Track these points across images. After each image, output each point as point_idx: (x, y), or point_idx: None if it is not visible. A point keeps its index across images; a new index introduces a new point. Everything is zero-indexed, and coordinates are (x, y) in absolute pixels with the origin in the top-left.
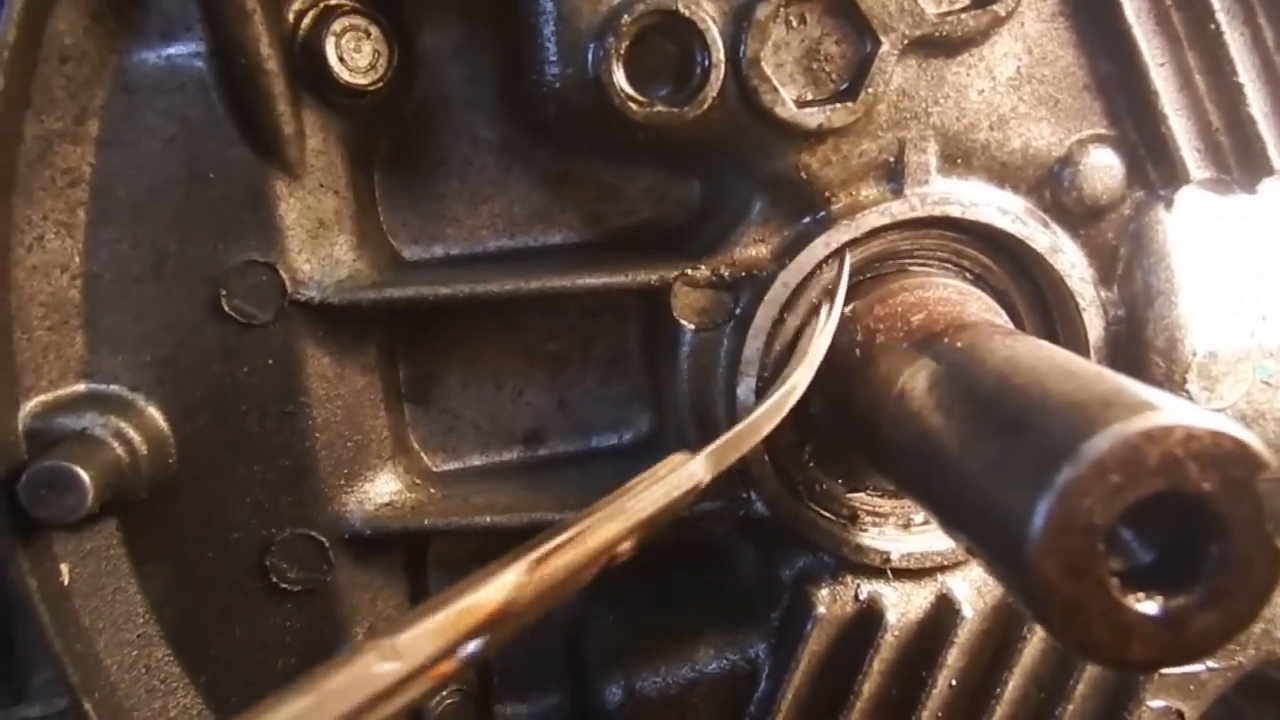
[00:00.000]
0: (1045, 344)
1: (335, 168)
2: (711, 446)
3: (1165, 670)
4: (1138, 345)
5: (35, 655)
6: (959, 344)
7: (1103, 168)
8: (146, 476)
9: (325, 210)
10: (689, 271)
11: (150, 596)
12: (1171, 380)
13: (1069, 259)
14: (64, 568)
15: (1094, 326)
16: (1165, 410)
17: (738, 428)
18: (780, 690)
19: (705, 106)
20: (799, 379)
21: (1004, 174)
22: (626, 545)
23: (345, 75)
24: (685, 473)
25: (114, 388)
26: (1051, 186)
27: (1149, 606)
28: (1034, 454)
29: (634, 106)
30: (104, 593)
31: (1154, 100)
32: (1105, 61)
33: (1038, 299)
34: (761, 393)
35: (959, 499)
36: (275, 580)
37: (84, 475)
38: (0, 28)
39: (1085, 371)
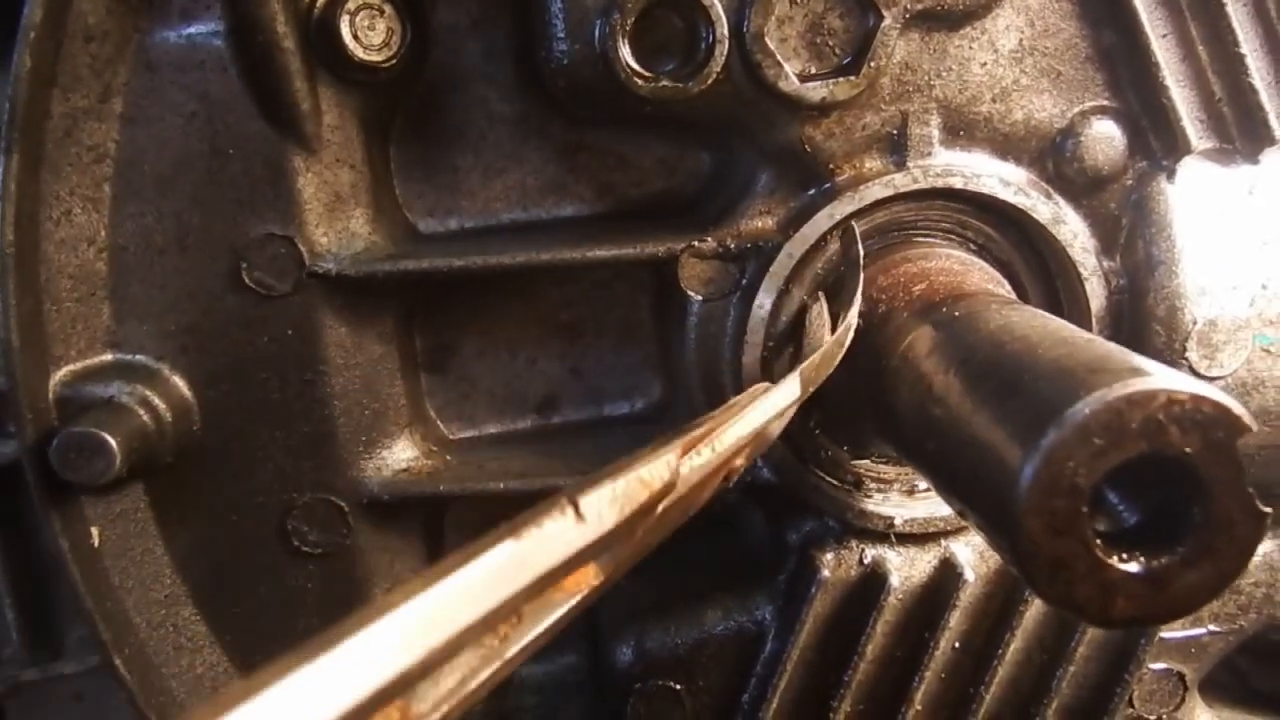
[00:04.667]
0: (1040, 313)
1: (351, 142)
2: (802, 366)
3: (1166, 633)
4: (1139, 315)
5: (69, 614)
6: (957, 313)
7: (1105, 139)
8: (171, 442)
9: (342, 184)
10: (695, 243)
11: (177, 558)
12: (1172, 349)
13: (1071, 229)
14: (94, 530)
15: (1096, 296)
16: (1148, 375)
17: (820, 351)
18: (786, 650)
19: (710, 81)
20: (852, 316)
21: (1006, 146)
22: (740, 460)
23: (359, 52)
24: (785, 389)
25: (139, 357)
26: (1054, 158)
27: (1132, 565)
28: (1022, 418)
29: (639, 81)
30: (132, 554)
31: (1156, 71)
32: (1108, 33)
33: (1041, 269)
34: (767, 363)
35: (952, 463)
36: (296, 543)
37: (111, 440)
38: (26, 8)
39: (1075, 339)
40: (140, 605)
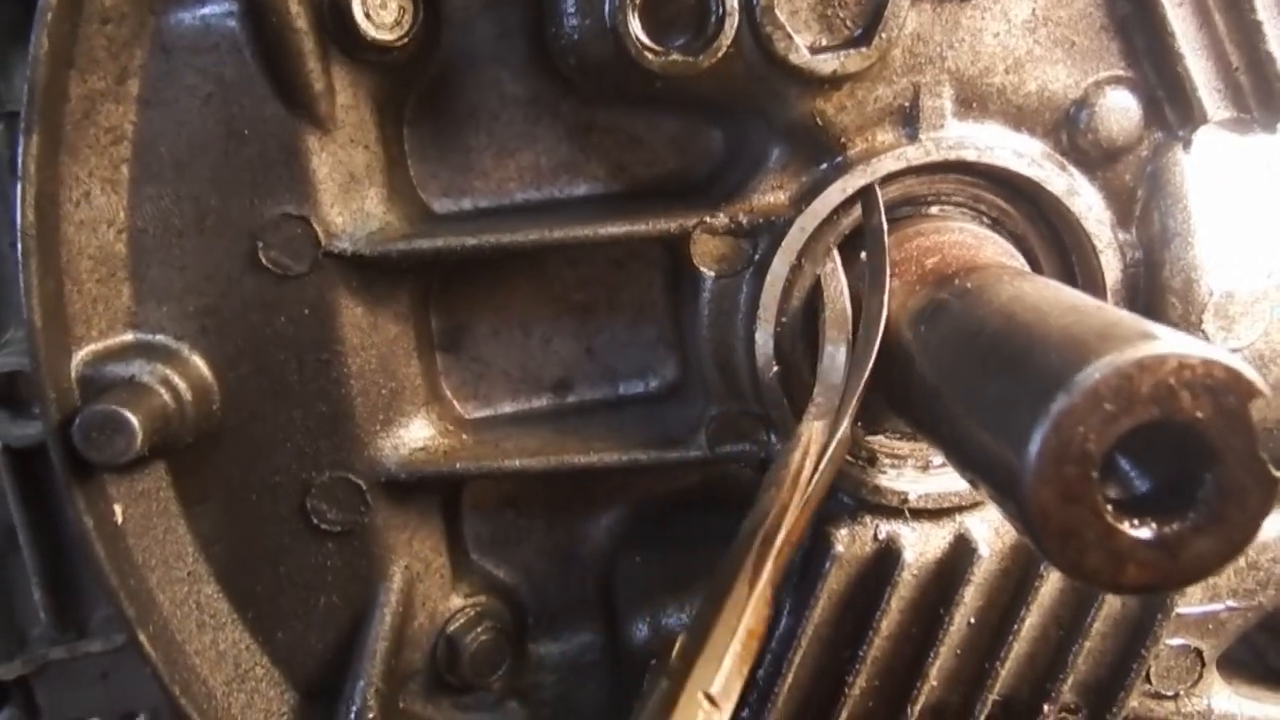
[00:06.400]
0: (1053, 283)
1: (365, 123)
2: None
3: (1183, 609)
4: (1155, 287)
5: (94, 594)
6: (969, 284)
7: (1120, 109)
8: (192, 422)
9: (356, 164)
10: (708, 219)
11: (198, 536)
12: (1188, 321)
13: (1086, 201)
14: (117, 508)
15: (1111, 269)
16: (1159, 340)
17: (856, 365)
18: (800, 627)
19: (720, 55)
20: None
21: (1020, 117)
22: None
23: (372, 32)
24: (842, 441)
25: (159, 337)
26: (1068, 129)
27: (1143, 532)
28: (1032, 386)
29: (650, 56)
30: (155, 532)
31: (1172, 40)
32: (1122, 2)
33: (1055, 242)
34: (780, 338)
35: (965, 433)
36: (316, 521)
37: (133, 419)
38: None
39: (1086, 307)
40: (163, 583)
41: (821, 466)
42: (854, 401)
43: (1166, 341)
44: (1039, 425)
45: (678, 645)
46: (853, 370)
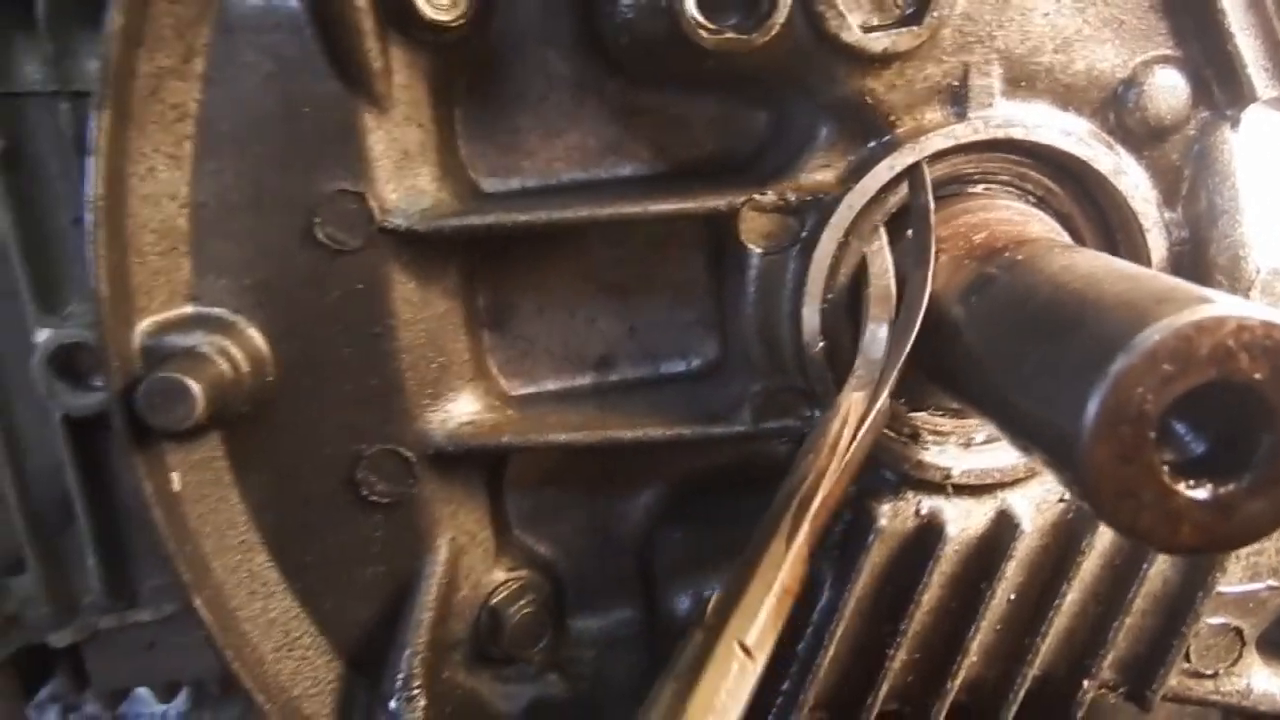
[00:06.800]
0: (1103, 255)
1: (420, 102)
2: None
3: (1224, 588)
4: (1201, 265)
5: (145, 564)
6: (1020, 256)
7: (1168, 88)
8: (248, 391)
9: (410, 142)
10: (756, 197)
11: (251, 506)
12: None
13: (1132, 180)
14: (175, 476)
15: (1157, 248)
16: (1218, 303)
17: (896, 341)
18: (842, 600)
19: (773, 33)
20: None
21: (1068, 96)
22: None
23: (429, 12)
24: (881, 411)
25: (218, 310)
26: (1116, 108)
27: (1199, 492)
28: (1088, 349)
29: (704, 34)
30: (209, 500)
31: (1221, 19)
32: None
33: (1101, 222)
34: (826, 315)
35: (1016, 399)
36: (364, 493)
37: (194, 386)
38: None
39: (1140, 274)
40: (217, 550)
41: (860, 434)
42: (895, 372)
43: (1225, 304)
44: (1097, 386)
45: (712, 601)
46: (895, 342)
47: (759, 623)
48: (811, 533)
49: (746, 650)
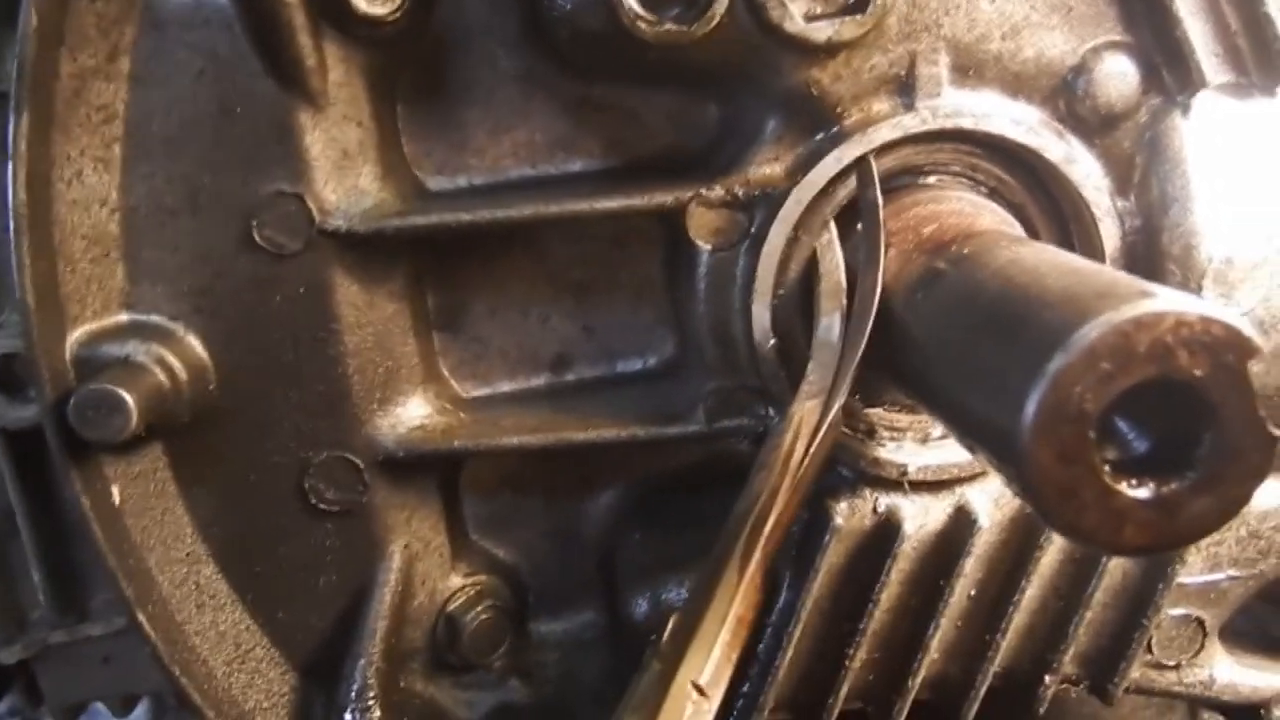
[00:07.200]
0: (1051, 248)
1: (358, 99)
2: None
3: (1185, 579)
4: (1154, 254)
5: (94, 577)
6: (966, 250)
7: (1117, 75)
8: (188, 401)
9: (349, 141)
10: (703, 192)
11: (197, 518)
12: (1188, 288)
13: (1084, 169)
14: (115, 489)
15: (1110, 237)
16: (1157, 298)
17: (841, 358)
18: (800, 600)
19: (714, 24)
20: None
21: (1017, 85)
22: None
23: (363, 5)
24: (834, 423)
25: (154, 318)
26: (1065, 96)
27: (1141, 492)
28: (1029, 347)
29: (643, 26)
30: (153, 513)
31: (1169, 4)
32: None
33: (1054, 211)
34: (777, 311)
35: (962, 397)
36: (314, 501)
37: (128, 397)
38: None
39: (1085, 269)
40: (162, 564)
41: (813, 449)
42: (847, 381)
43: (1164, 299)
44: (1036, 385)
45: (669, 628)
46: (846, 349)
47: (713, 659)
48: (765, 555)
49: (700, 690)
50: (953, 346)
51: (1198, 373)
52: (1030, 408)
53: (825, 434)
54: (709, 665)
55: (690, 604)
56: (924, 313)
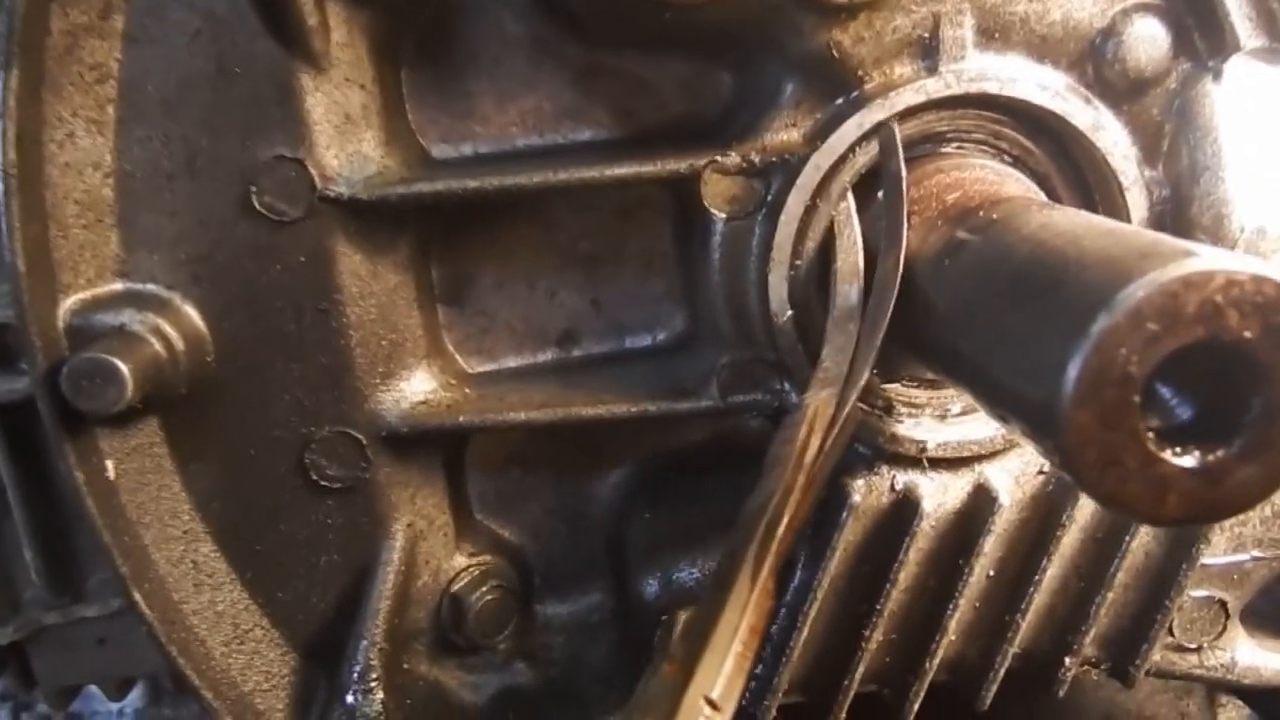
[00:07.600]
0: (1082, 212)
1: (361, 62)
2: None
3: (1208, 560)
4: (1183, 224)
5: (89, 557)
6: (995, 215)
7: (1147, 38)
8: (185, 372)
9: (352, 105)
10: (719, 159)
11: (195, 494)
12: None
13: (1111, 136)
14: (109, 463)
15: (1138, 207)
16: (1205, 257)
17: (859, 346)
18: (816, 580)
19: None
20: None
21: (1044, 48)
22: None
23: None
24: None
25: (150, 286)
26: (1094, 60)
27: (1186, 460)
28: (1069, 308)
29: None
30: (149, 489)
31: None
32: None
33: (1079, 181)
34: (794, 281)
35: (994, 366)
36: (315, 478)
37: (123, 367)
38: None
39: (1122, 230)
40: (158, 541)
41: (828, 446)
42: (864, 373)
43: (1213, 258)
44: (1078, 347)
45: (679, 626)
46: (864, 335)
47: (725, 672)
48: (778, 557)
49: (713, 705)
50: (982, 314)
51: (1248, 334)
52: (1072, 371)
53: (841, 428)
54: (721, 679)
55: (703, 608)
56: (950, 281)
